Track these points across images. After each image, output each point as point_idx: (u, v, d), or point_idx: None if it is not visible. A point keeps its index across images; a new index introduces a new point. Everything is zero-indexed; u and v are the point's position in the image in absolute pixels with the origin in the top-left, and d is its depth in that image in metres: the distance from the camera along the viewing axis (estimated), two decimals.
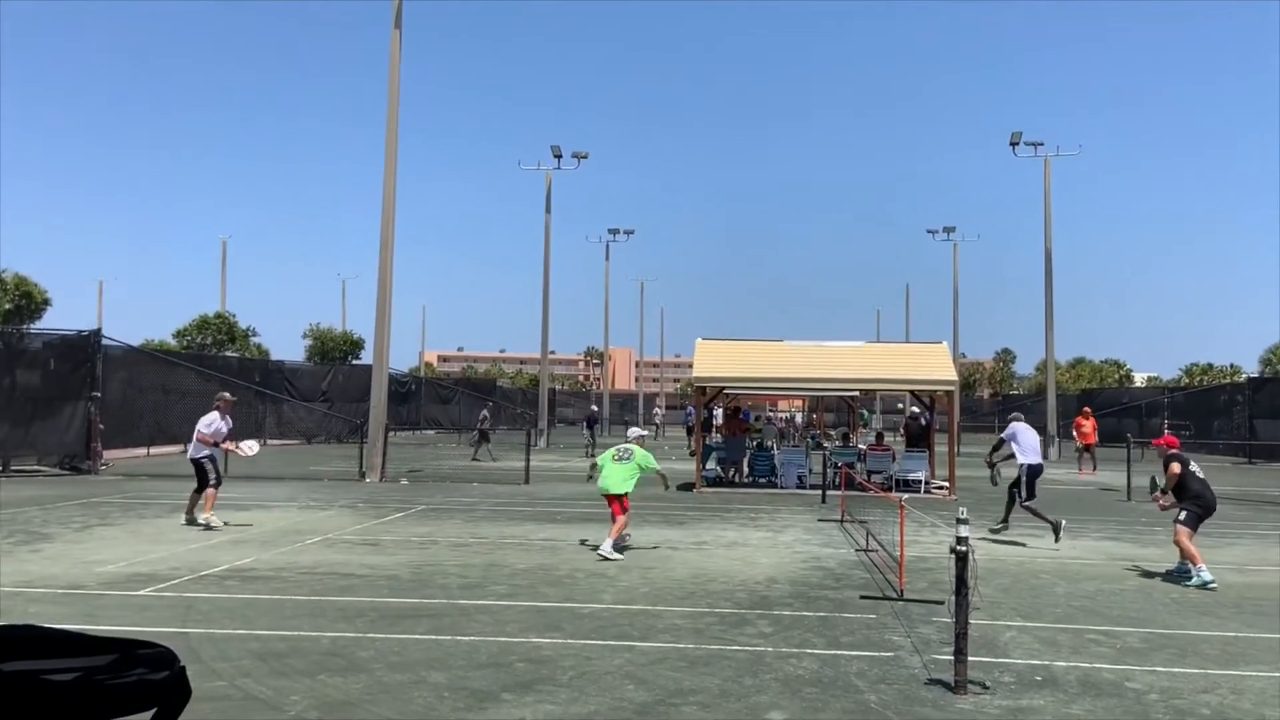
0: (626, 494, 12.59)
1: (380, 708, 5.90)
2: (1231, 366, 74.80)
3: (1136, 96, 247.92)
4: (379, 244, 23.64)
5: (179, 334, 49.66)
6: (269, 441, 36.19)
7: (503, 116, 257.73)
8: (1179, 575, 10.96)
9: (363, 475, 22.36)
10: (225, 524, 13.87)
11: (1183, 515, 11.14)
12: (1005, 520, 13.96)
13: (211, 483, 13.74)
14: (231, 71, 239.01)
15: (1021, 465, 14.27)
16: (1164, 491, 11.53)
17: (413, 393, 48.47)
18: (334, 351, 54.93)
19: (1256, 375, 54.48)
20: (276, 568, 10.77)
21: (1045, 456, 36.25)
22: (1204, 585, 10.57)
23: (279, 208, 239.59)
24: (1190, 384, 66.72)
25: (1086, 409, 33.14)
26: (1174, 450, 11.67)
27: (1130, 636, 8.16)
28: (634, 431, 14.78)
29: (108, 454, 24.06)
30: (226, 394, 15.35)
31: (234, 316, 51.33)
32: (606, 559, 11.63)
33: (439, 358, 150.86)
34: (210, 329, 49.48)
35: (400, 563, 11.20)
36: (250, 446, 15.80)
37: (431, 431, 47.19)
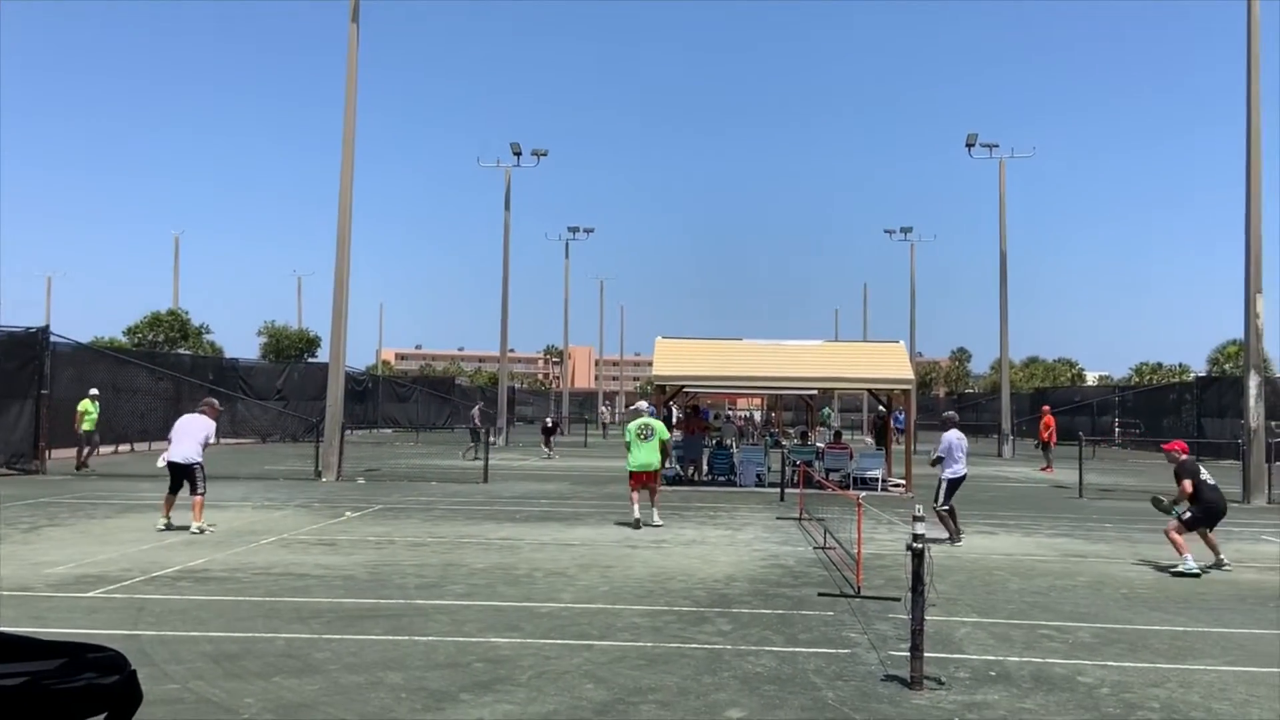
0: (659, 468, 14.83)
1: (337, 709, 5.84)
2: (1180, 366, 76.35)
3: (1093, 100, 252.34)
4: (335, 241, 23.38)
5: (130, 331, 48.78)
6: (223, 441, 35.71)
7: (462, 113, 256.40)
8: (1184, 572, 11.26)
9: (319, 474, 22.11)
10: (213, 527, 13.59)
11: (1187, 515, 11.59)
12: (956, 529, 13.75)
13: (200, 491, 13.48)
14: (186, 63, 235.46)
15: (942, 479, 13.91)
16: (1177, 513, 11.71)
17: (370, 391, 48.05)
18: (289, 349, 54.21)
19: (1204, 375, 55.68)
20: (230, 568, 10.62)
21: (1000, 454, 36.96)
22: (1186, 573, 11.12)
23: (234, 204, 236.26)
24: (1140, 383, 68.00)
25: (1046, 407, 33.76)
26: (1185, 458, 11.91)
27: (1082, 631, 8.29)
28: (644, 404, 16.60)
29: (56, 454, 23.56)
30: (214, 400, 15.24)
31: (186, 314, 50.52)
32: (660, 525, 14.23)
33: (396, 355, 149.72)
34: (162, 326, 48.64)
35: (357, 563, 11.09)
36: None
37: (389, 430, 46.81)
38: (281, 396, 39.19)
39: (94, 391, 24.67)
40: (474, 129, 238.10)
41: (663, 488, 20.97)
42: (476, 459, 28.69)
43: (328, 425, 22.84)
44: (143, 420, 31.68)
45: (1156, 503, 12.49)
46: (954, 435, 14.12)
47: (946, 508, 13.66)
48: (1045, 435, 30.22)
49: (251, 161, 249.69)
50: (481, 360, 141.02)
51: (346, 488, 20.33)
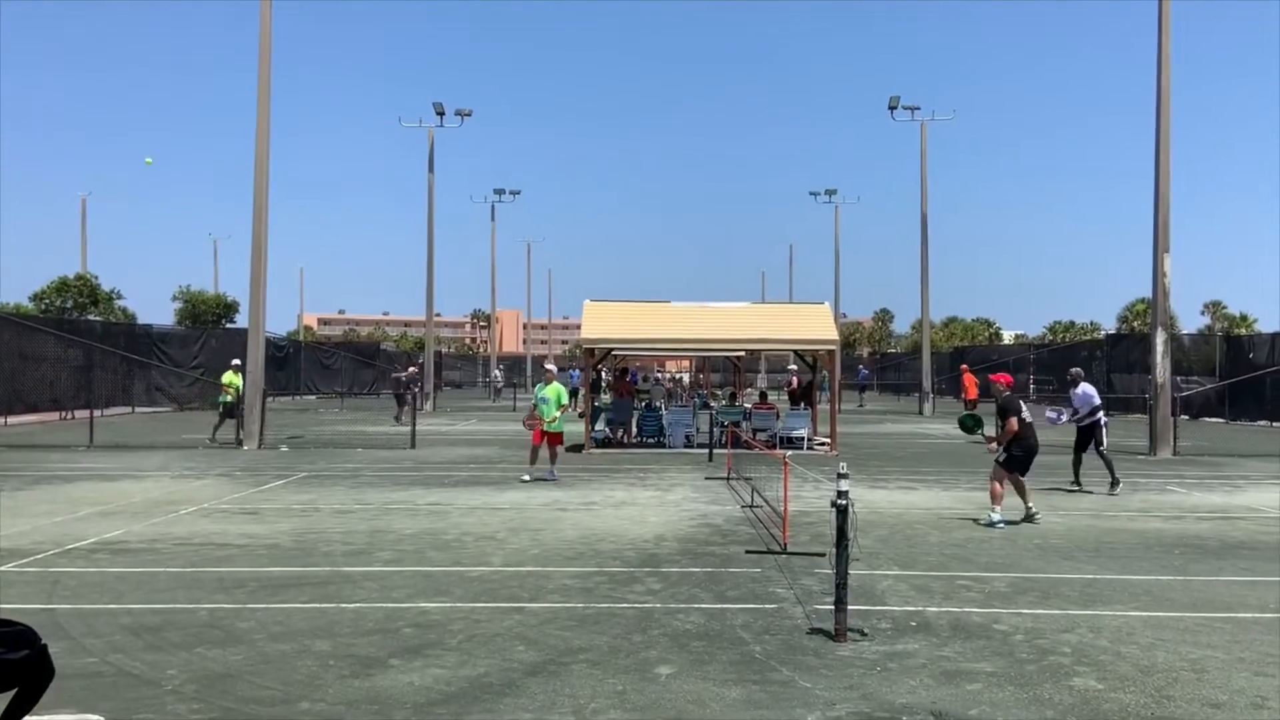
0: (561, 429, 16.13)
1: (263, 679, 5.77)
2: (1092, 324, 78.93)
3: (1011, 64, 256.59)
4: (253, 202, 22.75)
5: (36, 297, 46.99)
6: (136, 409, 34.72)
7: (383, 73, 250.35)
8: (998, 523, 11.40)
9: (240, 442, 21.66)
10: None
11: (1004, 457, 11.78)
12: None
13: None
14: (90, 18, 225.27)
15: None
16: (999, 441, 11.93)
17: (291, 357, 47.09)
18: (206, 315, 52.78)
19: (1114, 332, 57.62)
20: (149, 539, 10.37)
21: (921, 412, 37.80)
22: (992, 524, 11.30)
23: (146, 165, 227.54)
24: (1054, 341, 70.10)
25: (965, 366, 34.57)
26: (1009, 394, 12.11)
27: (998, 581, 8.58)
28: (552, 366, 18.13)
29: None
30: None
31: (96, 278, 48.84)
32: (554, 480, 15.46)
33: (319, 320, 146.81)
34: (70, 291, 46.94)
35: (281, 531, 10.92)
36: None
37: (312, 397, 46.00)
38: (198, 364, 38.20)
39: (236, 362, 23.92)
40: (395, 92, 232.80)
41: (592, 450, 21.08)
42: (402, 423, 28.45)
43: (248, 392, 22.34)
44: (52, 389, 30.65)
45: (963, 424, 12.61)
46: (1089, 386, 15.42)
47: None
48: (973, 393, 30.85)
49: (162, 120, 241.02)
50: (407, 324, 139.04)
51: (269, 456, 19.96)
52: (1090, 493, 14.49)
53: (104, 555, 9.53)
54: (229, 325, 49.82)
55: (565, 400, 16.38)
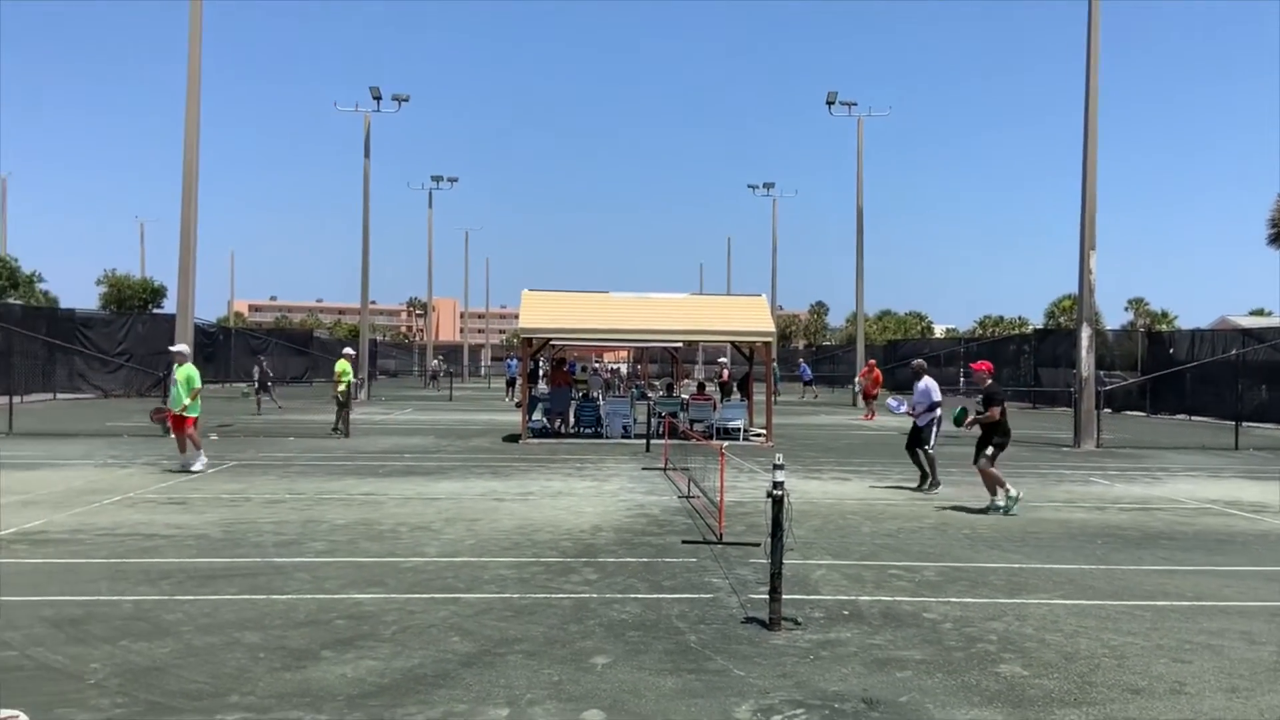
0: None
1: (190, 672, 5.64)
2: (1020, 319, 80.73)
3: (946, 64, 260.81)
4: (182, 184, 22.14)
5: None
6: (58, 395, 33.68)
7: (318, 55, 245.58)
8: (1001, 509, 11.96)
9: (167, 431, 21.11)
10: None
11: (990, 450, 12.27)
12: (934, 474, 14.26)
13: None
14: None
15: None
16: (979, 423, 12.44)
17: (221, 344, 46.06)
18: (132, 300, 51.39)
19: (1041, 327, 59.02)
20: (71, 529, 10.07)
21: (855, 404, 38.47)
22: (1011, 506, 11.90)
23: (69, 145, 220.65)
24: (984, 335, 71.59)
25: (872, 361, 35.70)
26: (991, 381, 12.54)
27: (928, 571, 8.75)
28: (180, 348, 16.63)
29: None
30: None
31: (16, 261, 47.26)
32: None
33: (250, 307, 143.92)
34: None
35: (209, 521, 10.69)
36: None
37: (243, 385, 45.05)
38: (124, 350, 37.16)
39: (348, 351, 23.38)
40: (332, 72, 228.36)
41: (530, 440, 20.99)
42: (258, 412, 28.25)
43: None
44: None
45: (956, 421, 12.92)
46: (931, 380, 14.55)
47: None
48: (872, 390, 31.95)
49: (89, 100, 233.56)
50: (341, 312, 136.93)
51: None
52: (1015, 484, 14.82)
53: (23, 546, 9.23)
54: (156, 310, 48.59)
55: (197, 384, 15.29)
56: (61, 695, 5.24)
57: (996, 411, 12.20)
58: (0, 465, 15.45)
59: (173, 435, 15.23)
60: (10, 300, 42.54)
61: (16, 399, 24.28)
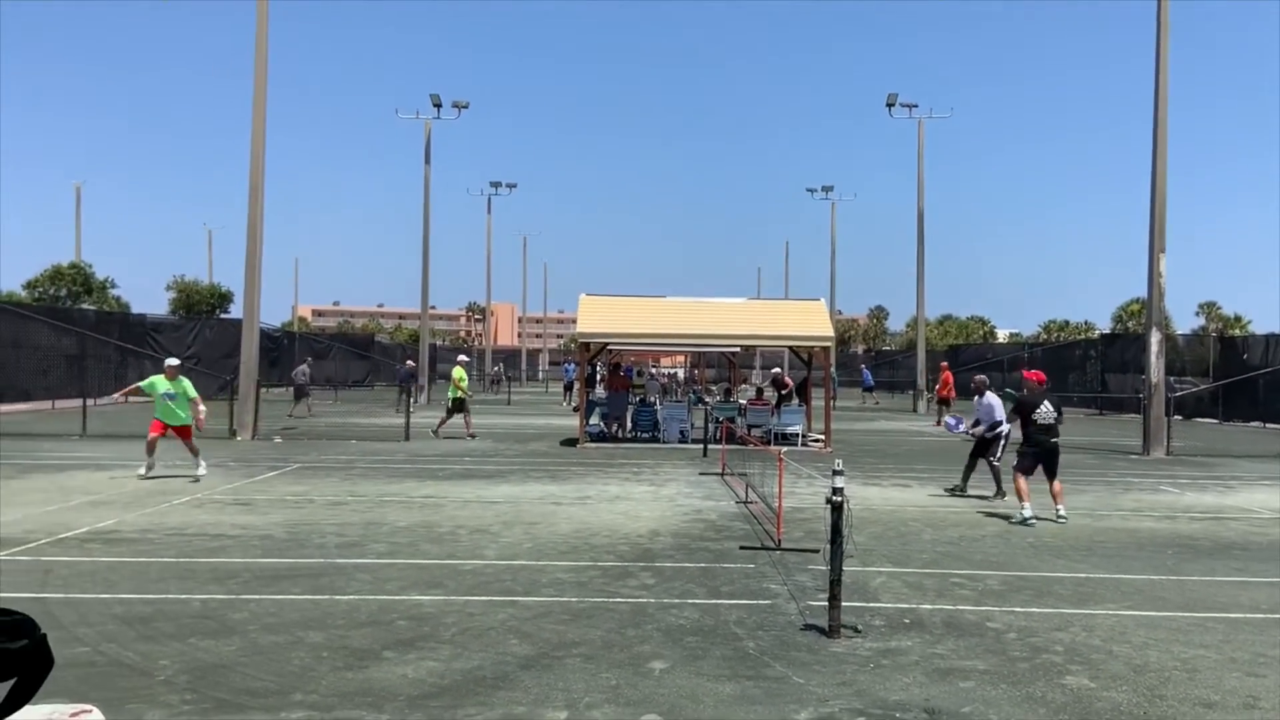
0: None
1: (255, 669, 5.76)
2: (1086, 323, 79.00)
3: (1010, 65, 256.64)
4: (248, 192, 22.67)
5: (30, 285, 46.77)
6: (131, 400, 34.58)
7: (380, 65, 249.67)
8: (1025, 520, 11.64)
9: (233, 433, 21.62)
10: None
11: (1015, 460, 12.12)
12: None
13: None
14: (93, 13, 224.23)
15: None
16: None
17: (285, 348, 47.00)
18: (200, 305, 52.63)
19: (1108, 332, 57.72)
20: (141, 529, 10.34)
21: (915, 409, 37.97)
22: (1024, 521, 11.49)
23: (141, 154, 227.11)
24: (1048, 340, 70.23)
25: (945, 364, 34.84)
26: (1025, 393, 12.24)
27: (991, 579, 8.59)
28: (172, 361, 15.81)
29: None
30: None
31: (90, 267, 48.60)
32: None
33: (313, 312, 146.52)
34: (64, 280, 46.71)
35: (274, 522, 10.90)
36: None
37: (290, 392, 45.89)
38: (193, 354, 38.11)
39: (463, 358, 24.08)
40: (393, 80, 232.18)
41: (587, 445, 21.07)
42: (291, 415, 28.13)
43: (242, 383, 22.32)
44: (46, 377, 30.57)
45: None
46: (994, 397, 14.25)
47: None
48: (943, 391, 31.13)
49: (160, 107, 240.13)
50: (402, 317, 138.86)
51: (262, 447, 19.92)
52: (1083, 492, 14.50)
53: (96, 545, 9.50)
54: (223, 315, 49.71)
55: (193, 394, 15.06)
56: (132, 691, 5.38)
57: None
58: (75, 466, 15.95)
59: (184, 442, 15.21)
60: (84, 305, 43.86)
61: (90, 401, 25.01)
